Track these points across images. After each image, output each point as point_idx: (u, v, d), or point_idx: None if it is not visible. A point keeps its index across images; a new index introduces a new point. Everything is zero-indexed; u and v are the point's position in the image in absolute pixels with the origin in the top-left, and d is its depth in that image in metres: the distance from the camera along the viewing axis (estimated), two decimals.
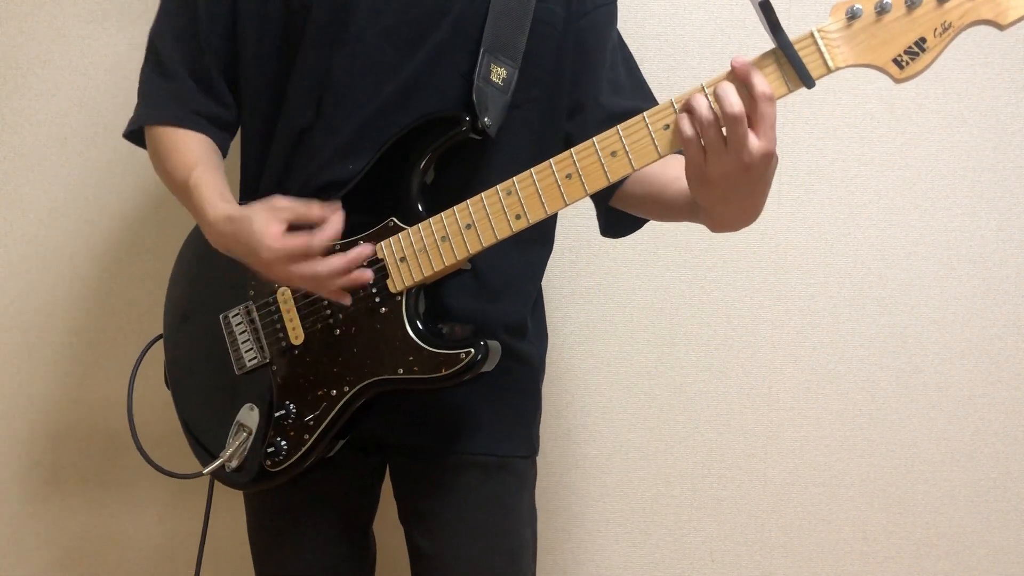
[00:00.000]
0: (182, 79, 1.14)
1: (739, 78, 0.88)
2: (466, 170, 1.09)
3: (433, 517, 1.16)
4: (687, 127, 0.89)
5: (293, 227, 0.99)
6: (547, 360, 1.27)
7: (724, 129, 0.88)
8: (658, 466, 1.66)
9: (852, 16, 0.88)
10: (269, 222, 0.98)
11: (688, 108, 0.89)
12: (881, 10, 0.87)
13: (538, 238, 1.19)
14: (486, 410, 1.15)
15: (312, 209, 1.00)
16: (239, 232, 1.00)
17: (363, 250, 1.02)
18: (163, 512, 1.71)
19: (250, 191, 1.17)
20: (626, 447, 1.66)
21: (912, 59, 0.88)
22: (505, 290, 1.15)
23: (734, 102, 0.87)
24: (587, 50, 1.16)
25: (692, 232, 1.64)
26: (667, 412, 1.65)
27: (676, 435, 1.66)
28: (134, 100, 1.62)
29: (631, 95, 1.19)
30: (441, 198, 1.05)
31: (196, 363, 1.18)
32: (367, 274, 1.02)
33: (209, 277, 1.16)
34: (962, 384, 1.62)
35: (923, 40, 0.87)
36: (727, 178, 0.90)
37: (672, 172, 1.11)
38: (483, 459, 1.16)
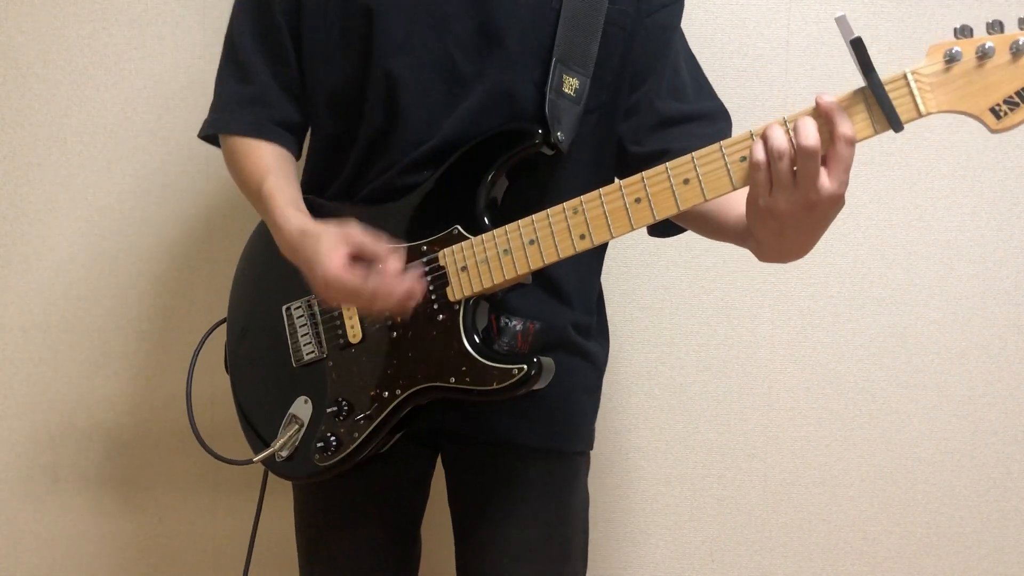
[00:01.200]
0: (262, 84, 1.14)
1: (823, 115, 0.85)
2: (533, 179, 1.09)
3: (491, 505, 1.17)
4: (759, 153, 0.86)
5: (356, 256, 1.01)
6: None
7: (796, 164, 0.85)
8: (658, 466, 1.66)
9: (951, 60, 0.82)
10: (335, 248, 0.99)
11: (764, 136, 0.86)
12: (983, 55, 0.81)
13: None
14: (552, 405, 1.15)
15: (379, 248, 1.00)
16: (306, 247, 1.02)
17: (415, 286, 1.01)
18: (163, 513, 1.71)
19: (318, 189, 1.17)
20: (626, 447, 1.66)
21: (1012, 109, 0.82)
22: (575, 291, 1.16)
23: (810, 134, 0.84)
24: (651, 50, 1.14)
25: (692, 232, 1.64)
26: (667, 412, 1.65)
27: (676, 435, 1.66)
28: (134, 100, 1.63)
29: (694, 97, 1.16)
30: (507, 207, 1.06)
31: (256, 351, 1.19)
32: (416, 300, 1.02)
33: (276, 267, 1.16)
34: (962, 384, 1.62)
35: None
36: (789, 213, 0.87)
37: (734, 197, 1.06)
38: (545, 453, 1.17)
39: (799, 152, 0.84)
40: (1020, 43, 0.79)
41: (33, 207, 1.65)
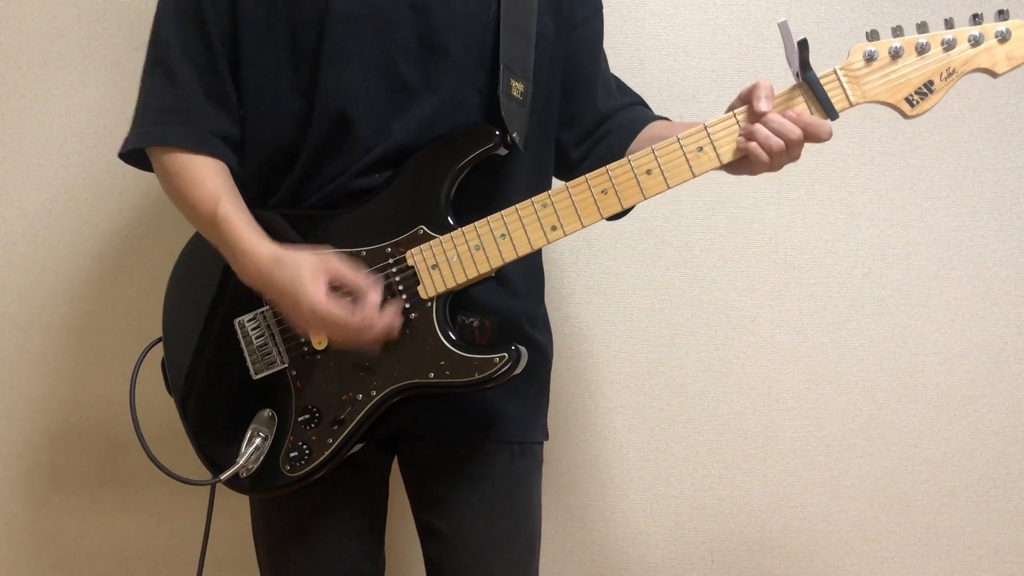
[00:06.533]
0: (193, 92, 1.10)
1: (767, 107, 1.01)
2: (480, 180, 1.11)
3: (458, 501, 1.17)
4: (762, 155, 1.00)
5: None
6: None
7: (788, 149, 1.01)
8: (658, 466, 1.66)
9: (870, 58, 0.99)
10: (317, 279, 1.01)
11: (767, 149, 1.00)
12: (895, 54, 0.99)
13: None
14: (510, 398, 1.17)
15: (359, 279, 1.03)
16: (284, 277, 1.02)
17: (395, 321, 1.05)
18: (163, 513, 1.71)
19: (259, 200, 1.14)
20: (626, 447, 1.66)
21: (921, 99, 1.00)
22: (524, 282, 1.19)
23: (794, 130, 0.99)
24: (581, 63, 1.22)
25: (692, 232, 1.64)
26: (667, 412, 1.65)
27: (676, 435, 1.66)
28: (134, 100, 1.62)
29: (620, 95, 1.26)
30: (459, 207, 1.08)
31: (204, 368, 1.16)
32: (393, 336, 1.05)
33: (219, 283, 1.15)
34: (962, 384, 1.62)
35: (931, 83, 0.99)
36: (779, 164, 1.03)
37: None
38: (508, 445, 1.18)
39: (791, 144, 1.00)
40: (922, 43, 0.98)
41: (33, 207, 1.65)
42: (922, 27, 0.99)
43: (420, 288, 1.06)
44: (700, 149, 1.02)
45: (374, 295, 1.03)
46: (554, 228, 1.04)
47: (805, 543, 1.66)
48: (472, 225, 1.06)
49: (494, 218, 1.05)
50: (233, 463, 1.10)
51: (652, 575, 1.69)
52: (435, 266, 1.06)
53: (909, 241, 1.61)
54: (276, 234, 1.08)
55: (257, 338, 1.12)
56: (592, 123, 1.23)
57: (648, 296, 1.63)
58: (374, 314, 1.02)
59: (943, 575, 1.66)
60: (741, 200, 1.60)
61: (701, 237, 1.62)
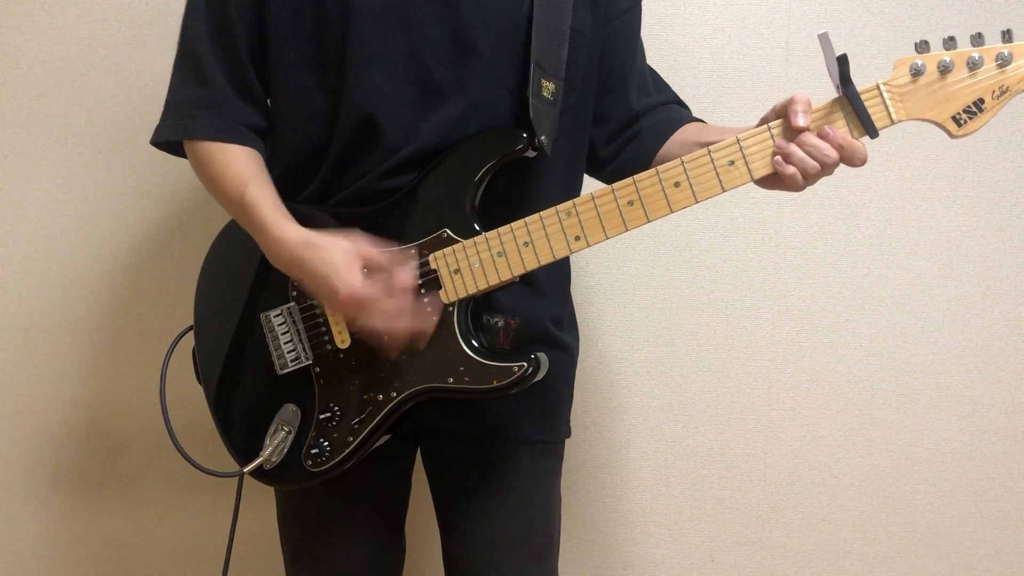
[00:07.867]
0: (222, 87, 1.12)
1: (794, 129, 0.98)
2: (509, 181, 1.10)
3: (480, 498, 1.18)
4: (799, 178, 0.98)
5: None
6: None
7: (823, 170, 0.99)
8: (658, 466, 1.66)
9: (916, 73, 0.93)
10: (352, 262, 1.01)
11: (802, 171, 0.98)
12: (944, 69, 0.93)
13: None
14: (534, 398, 1.16)
15: (393, 258, 1.03)
16: (315, 261, 1.02)
17: (433, 318, 1.05)
18: (163, 513, 1.71)
19: (288, 194, 1.13)
20: (626, 447, 1.66)
21: (970, 118, 0.93)
22: (550, 284, 1.18)
23: (831, 154, 0.97)
24: (616, 57, 1.19)
25: (692, 232, 1.65)
26: (667, 412, 1.65)
27: (676, 435, 1.66)
28: (134, 100, 1.63)
29: (656, 91, 1.23)
30: (488, 209, 1.08)
31: (232, 360, 1.17)
32: (432, 328, 1.06)
33: (248, 275, 1.16)
34: (962, 384, 1.62)
35: (981, 101, 0.92)
36: (814, 183, 1.01)
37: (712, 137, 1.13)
38: (530, 444, 1.19)
39: (827, 166, 0.98)
40: (975, 58, 0.91)
41: (33, 207, 1.65)
42: (976, 39, 0.92)
43: (442, 292, 1.06)
44: (731, 163, 0.99)
45: (407, 271, 1.03)
46: (578, 238, 1.03)
47: (805, 543, 1.66)
48: (496, 231, 1.05)
49: (518, 225, 1.04)
50: (257, 456, 1.11)
51: (652, 575, 1.69)
52: (457, 271, 1.05)
53: (909, 241, 1.61)
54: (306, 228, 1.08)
55: (283, 333, 1.13)
56: (623, 121, 1.20)
57: (648, 296, 1.63)
58: (408, 284, 1.02)
59: (943, 575, 1.66)
60: (741, 200, 1.60)
61: (701, 237, 1.62)
